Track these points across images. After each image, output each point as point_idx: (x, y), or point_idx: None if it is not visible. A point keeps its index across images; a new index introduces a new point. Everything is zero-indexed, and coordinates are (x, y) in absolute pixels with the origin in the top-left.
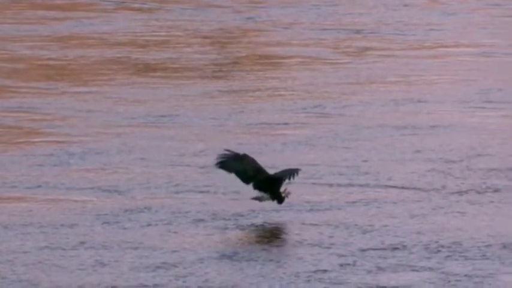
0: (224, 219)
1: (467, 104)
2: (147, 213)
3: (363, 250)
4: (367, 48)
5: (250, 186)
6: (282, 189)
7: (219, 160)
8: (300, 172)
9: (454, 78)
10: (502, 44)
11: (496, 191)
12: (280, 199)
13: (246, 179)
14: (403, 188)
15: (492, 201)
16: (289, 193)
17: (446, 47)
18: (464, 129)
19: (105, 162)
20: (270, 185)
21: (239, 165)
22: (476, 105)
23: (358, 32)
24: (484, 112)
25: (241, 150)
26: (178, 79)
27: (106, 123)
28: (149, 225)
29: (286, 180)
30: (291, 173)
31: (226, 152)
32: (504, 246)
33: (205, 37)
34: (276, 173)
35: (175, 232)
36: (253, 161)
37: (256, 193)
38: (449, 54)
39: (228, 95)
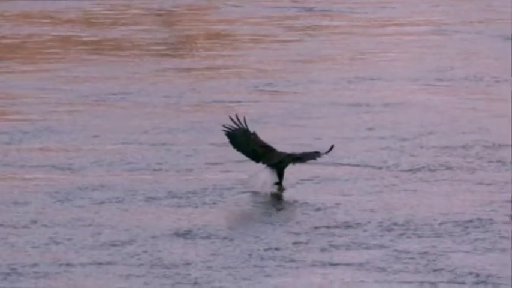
0: (177, 197)
1: (419, 81)
2: (99, 191)
3: (316, 228)
4: (318, 26)
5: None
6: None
7: (229, 131)
8: (321, 155)
9: (405, 56)
10: (454, 21)
11: (449, 168)
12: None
13: (256, 159)
14: (355, 165)
15: (445, 179)
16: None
17: (397, 24)
18: (416, 107)
19: (57, 140)
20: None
21: (252, 152)
22: (428, 83)
23: (309, 9)
24: (436, 90)
25: (194, 129)
26: (129, 57)
27: (58, 101)
28: (102, 203)
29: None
30: (312, 156)
31: (235, 123)
32: (457, 224)
33: (157, 15)
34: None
35: (127, 210)
36: (261, 142)
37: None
38: (401, 32)
39: (179, 73)
